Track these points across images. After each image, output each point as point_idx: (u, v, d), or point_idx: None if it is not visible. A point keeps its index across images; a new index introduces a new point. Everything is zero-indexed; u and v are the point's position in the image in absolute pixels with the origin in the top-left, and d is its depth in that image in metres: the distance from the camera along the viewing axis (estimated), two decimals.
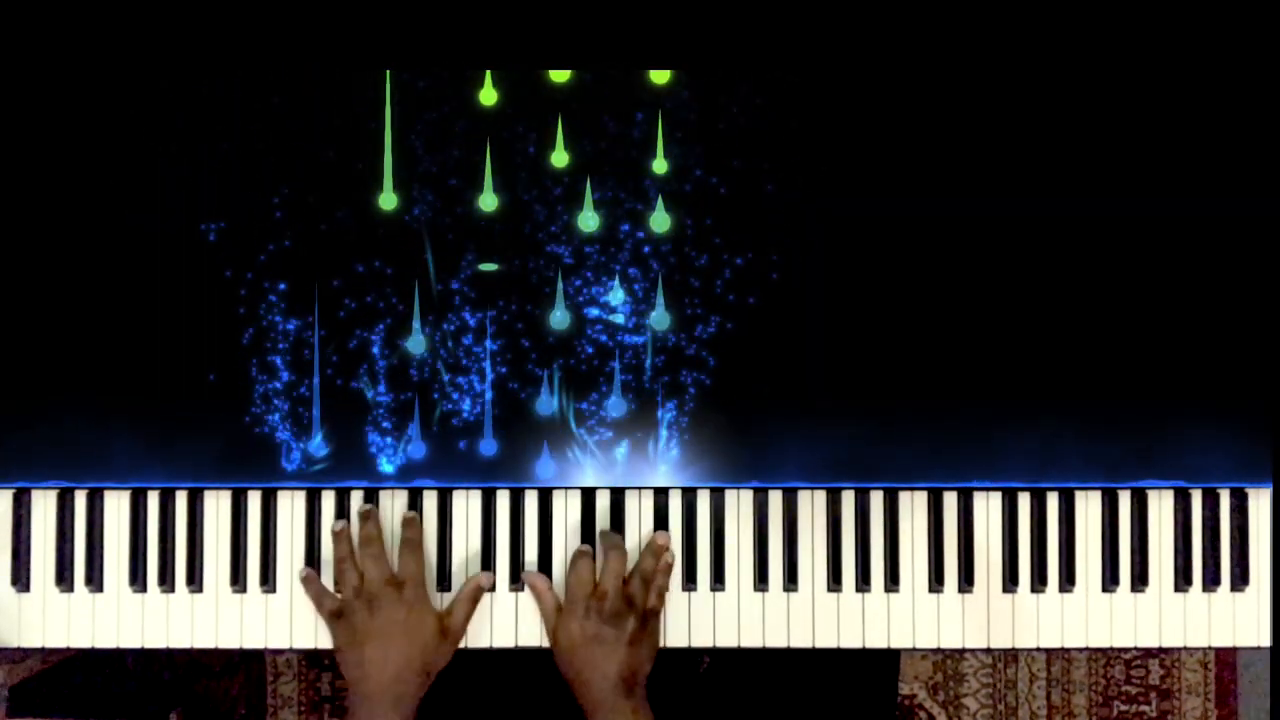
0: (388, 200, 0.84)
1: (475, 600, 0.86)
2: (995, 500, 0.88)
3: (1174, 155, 0.85)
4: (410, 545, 0.85)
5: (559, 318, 0.84)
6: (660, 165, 0.84)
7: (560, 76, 0.84)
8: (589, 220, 0.84)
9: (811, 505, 0.87)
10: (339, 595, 0.85)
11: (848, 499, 0.88)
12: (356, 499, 0.87)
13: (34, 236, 0.84)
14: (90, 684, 1.40)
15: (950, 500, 0.88)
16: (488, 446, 0.85)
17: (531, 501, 0.87)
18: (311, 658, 1.48)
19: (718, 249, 0.84)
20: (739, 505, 0.87)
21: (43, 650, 0.89)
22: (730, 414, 0.85)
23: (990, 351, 0.85)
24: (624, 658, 0.83)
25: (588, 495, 0.88)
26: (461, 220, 0.84)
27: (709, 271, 0.84)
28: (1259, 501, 0.88)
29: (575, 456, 0.85)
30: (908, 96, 0.85)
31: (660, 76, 0.83)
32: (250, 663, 1.48)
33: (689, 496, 0.87)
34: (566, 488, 0.87)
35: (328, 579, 0.87)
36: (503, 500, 0.87)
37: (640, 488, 0.87)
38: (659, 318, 0.84)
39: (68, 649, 0.88)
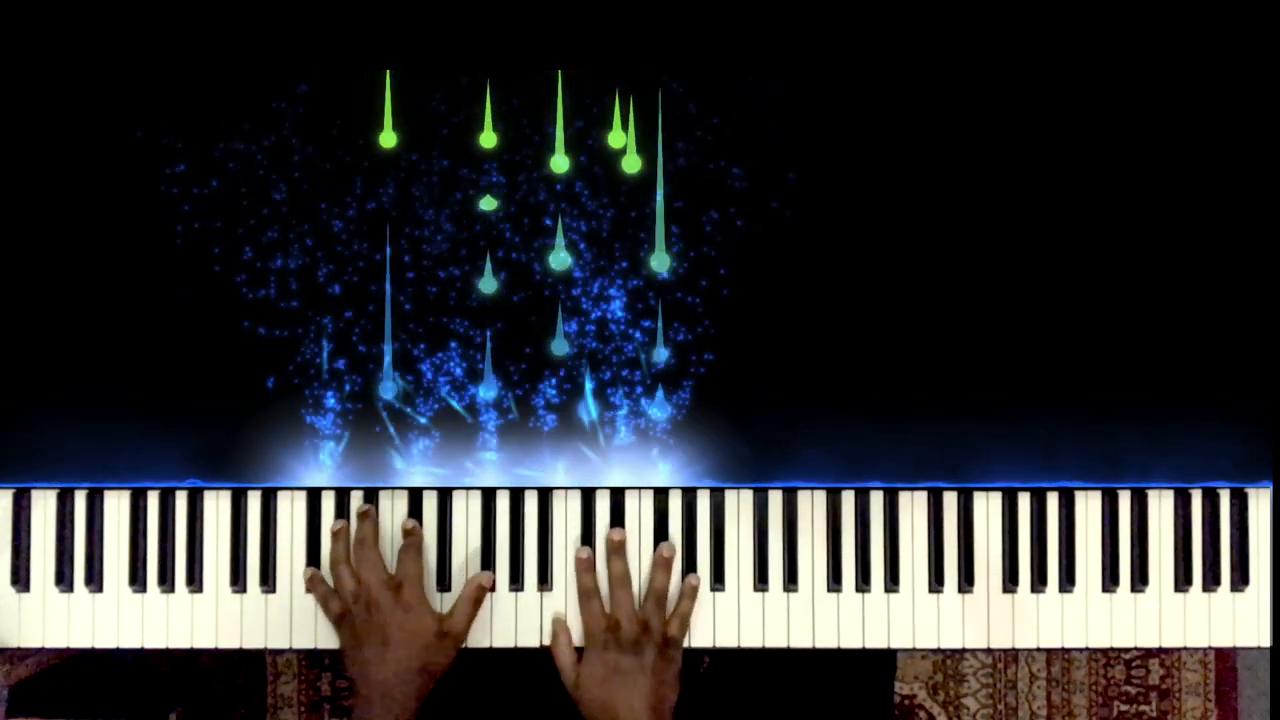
0: (387, 390, 0.85)
1: (477, 601, 0.86)
2: (995, 500, 0.88)
3: (1174, 153, 0.85)
4: (409, 548, 0.85)
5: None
6: (660, 354, 0.85)
7: (560, 264, 0.84)
8: (588, 409, 0.84)
9: (811, 505, 0.87)
10: None
11: (848, 499, 0.88)
12: (356, 499, 0.87)
13: (35, 238, 0.85)
14: (90, 684, 1.40)
15: (950, 500, 0.88)
16: None
17: (531, 502, 0.87)
18: (311, 658, 1.48)
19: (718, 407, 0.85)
20: (739, 505, 0.87)
21: (42, 650, 0.89)
22: (730, 414, 0.85)
23: (990, 351, 0.85)
24: (649, 687, 0.83)
25: (587, 495, 0.88)
26: (463, 408, 0.85)
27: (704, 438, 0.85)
28: (1259, 501, 0.88)
29: None
30: (901, 97, 0.85)
31: (661, 264, 0.84)
32: (250, 663, 1.48)
33: (689, 496, 0.87)
34: (567, 488, 0.87)
35: (329, 579, 0.87)
36: (503, 500, 0.87)
37: (640, 488, 0.87)
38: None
39: (68, 649, 0.88)
